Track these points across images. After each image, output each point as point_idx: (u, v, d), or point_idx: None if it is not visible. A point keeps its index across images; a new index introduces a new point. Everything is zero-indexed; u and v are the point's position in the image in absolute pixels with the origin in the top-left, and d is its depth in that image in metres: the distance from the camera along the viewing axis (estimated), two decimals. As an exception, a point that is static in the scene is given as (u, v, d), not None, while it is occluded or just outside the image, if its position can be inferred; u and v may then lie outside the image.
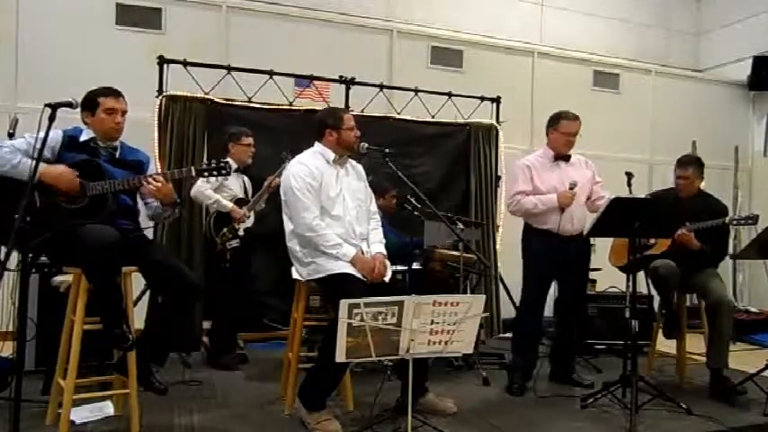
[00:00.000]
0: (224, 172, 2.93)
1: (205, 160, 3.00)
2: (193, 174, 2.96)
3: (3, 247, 2.54)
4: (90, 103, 2.86)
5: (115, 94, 2.89)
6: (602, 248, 4.43)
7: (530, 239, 3.86)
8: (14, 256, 2.54)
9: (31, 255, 2.89)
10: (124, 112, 2.91)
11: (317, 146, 3.28)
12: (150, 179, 2.79)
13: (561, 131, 3.81)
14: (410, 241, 4.25)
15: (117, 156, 2.94)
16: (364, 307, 2.38)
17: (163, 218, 3.08)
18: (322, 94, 5.28)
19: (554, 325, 4.10)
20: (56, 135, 2.76)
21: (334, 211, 3.14)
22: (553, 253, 3.72)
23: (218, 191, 4.12)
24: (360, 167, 3.42)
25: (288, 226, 3.19)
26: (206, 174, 2.94)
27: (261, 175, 4.33)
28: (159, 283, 2.92)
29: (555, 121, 3.85)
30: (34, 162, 2.45)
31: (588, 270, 4.08)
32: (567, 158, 3.86)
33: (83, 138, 2.86)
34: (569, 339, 4.04)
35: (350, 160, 3.36)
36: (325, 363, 2.83)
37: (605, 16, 7.51)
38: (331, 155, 3.23)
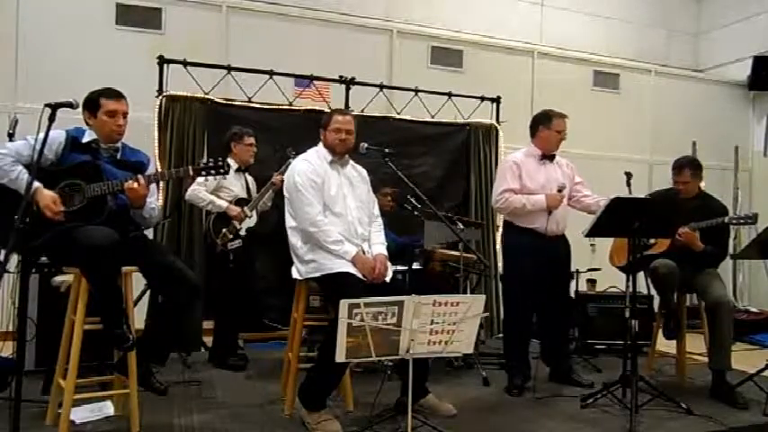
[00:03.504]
0: (222, 171, 2.93)
1: (204, 159, 2.97)
2: (191, 173, 2.95)
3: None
4: (92, 104, 2.85)
5: (117, 96, 2.88)
6: (602, 248, 4.43)
7: (513, 238, 3.86)
8: (14, 257, 2.55)
9: (30, 257, 2.89)
10: (125, 114, 2.89)
11: (319, 145, 3.32)
12: (137, 177, 2.77)
13: (556, 129, 3.83)
14: (408, 242, 4.26)
15: (118, 157, 2.93)
16: (364, 307, 2.38)
17: (141, 219, 2.97)
18: (322, 94, 5.28)
19: (538, 326, 4.06)
20: (58, 135, 2.75)
21: (335, 208, 3.16)
22: (539, 252, 3.71)
23: (218, 192, 4.12)
24: (363, 171, 3.43)
25: (290, 222, 3.20)
26: (203, 173, 2.94)
27: (262, 175, 4.33)
28: (159, 283, 2.92)
29: (547, 119, 3.86)
30: (33, 173, 2.44)
31: (570, 268, 4.09)
32: (551, 158, 3.89)
33: (85, 139, 2.85)
34: (560, 339, 4.04)
35: (352, 162, 3.38)
36: (325, 363, 2.82)
37: (605, 16, 7.52)
38: (328, 155, 3.25)
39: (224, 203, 4.09)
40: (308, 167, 3.17)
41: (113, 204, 2.79)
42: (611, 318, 4.94)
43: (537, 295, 3.82)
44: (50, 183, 2.69)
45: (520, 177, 3.78)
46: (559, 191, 3.71)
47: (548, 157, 3.86)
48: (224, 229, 4.09)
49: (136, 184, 2.74)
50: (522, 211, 3.74)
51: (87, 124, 2.89)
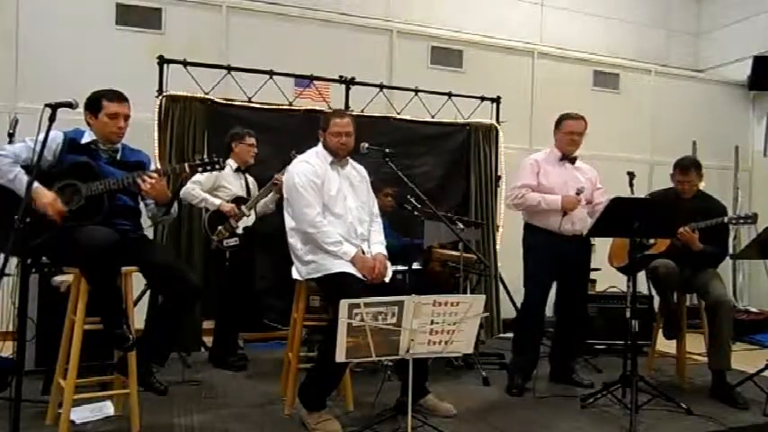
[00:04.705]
0: (217, 167, 2.94)
1: (198, 156, 3.00)
2: (186, 169, 2.96)
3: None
4: (94, 105, 2.85)
5: (119, 98, 2.88)
6: (602, 248, 4.42)
7: (531, 238, 3.88)
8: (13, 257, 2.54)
9: (30, 259, 2.89)
10: (127, 117, 2.89)
11: (318, 146, 3.32)
12: (144, 177, 2.78)
13: (564, 131, 3.87)
14: (410, 243, 4.25)
15: (118, 157, 2.93)
16: (364, 307, 2.38)
17: (160, 217, 3.04)
18: (322, 94, 5.28)
19: (554, 325, 4.10)
20: (56, 137, 2.74)
21: (335, 209, 3.16)
22: (554, 252, 3.73)
23: (217, 191, 4.12)
24: (363, 169, 3.43)
25: (289, 223, 3.20)
26: (199, 169, 2.95)
27: (262, 176, 4.33)
28: (159, 284, 2.92)
29: (559, 122, 3.93)
30: (32, 175, 2.44)
31: (589, 270, 4.08)
32: (572, 160, 3.90)
33: (84, 140, 2.85)
34: (570, 340, 4.04)
35: (352, 161, 3.38)
36: (325, 363, 2.83)
37: (605, 16, 7.50)
38: (328, 156, 3.25)
39: (217, 201, 4.08)
40: (309, 168, 3.17)
41: (109, 203, 2.78)
42: (611, 318, 4.94)
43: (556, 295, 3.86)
44: (46, 184, 2.68)
45: (537, 175, 3.82)
46: (578, 194, 3.70)
47: (568, 159, 3.89)
48: (219, 227, 4.09)
49: (153, 180, 2.75)
50: (537, 208, 3.76)
51: (88, 124, 2.89)
